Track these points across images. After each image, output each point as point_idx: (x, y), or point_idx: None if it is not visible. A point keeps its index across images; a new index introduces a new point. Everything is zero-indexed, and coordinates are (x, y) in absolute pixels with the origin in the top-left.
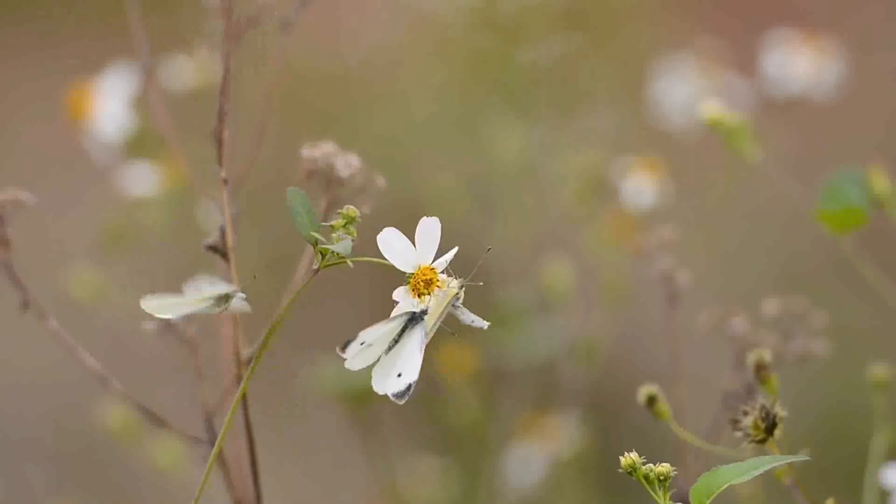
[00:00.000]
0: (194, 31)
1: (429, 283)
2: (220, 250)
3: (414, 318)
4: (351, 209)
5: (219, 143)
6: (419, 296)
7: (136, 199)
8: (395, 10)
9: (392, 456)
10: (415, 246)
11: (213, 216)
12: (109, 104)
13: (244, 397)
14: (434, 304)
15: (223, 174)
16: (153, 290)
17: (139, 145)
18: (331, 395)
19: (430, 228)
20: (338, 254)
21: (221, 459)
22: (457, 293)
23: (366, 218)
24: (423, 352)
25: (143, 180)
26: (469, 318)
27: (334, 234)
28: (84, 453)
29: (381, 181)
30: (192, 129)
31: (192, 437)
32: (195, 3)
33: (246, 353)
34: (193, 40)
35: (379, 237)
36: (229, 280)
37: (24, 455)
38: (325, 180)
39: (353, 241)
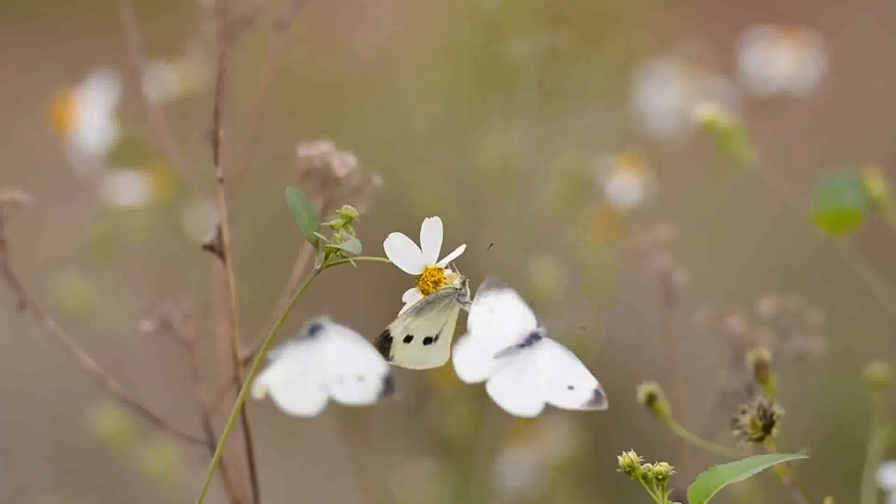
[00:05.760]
0: (188, 31)
1: (437, 284)
2: (216, 249)
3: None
4: (349, 209)
5: (215, 142)
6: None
7: (122, 209)
8: (387, 10)
9: (386, 460)
10: (420, 248)
11: (209, 216)
12: (91, 115)
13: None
14: (450, 323)
15: (219, 173)
16: (141, 296)
17: (125, 153)
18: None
19: (433, 228)
20: (340, 253)
21: (219, 459)
22: (460, 289)
23: (361, 217)
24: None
25: (129, 190)
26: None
27: (336, 235)
28: (81, 458)
29: (377, 180)
30: (185, 132)
31: (190, 437)
32: (189, 4)
33: (243, 353)
34: (187, 41)
35: (385, 243)
36: (226, 279)
37: (23, 460)
38: (322, 180)
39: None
